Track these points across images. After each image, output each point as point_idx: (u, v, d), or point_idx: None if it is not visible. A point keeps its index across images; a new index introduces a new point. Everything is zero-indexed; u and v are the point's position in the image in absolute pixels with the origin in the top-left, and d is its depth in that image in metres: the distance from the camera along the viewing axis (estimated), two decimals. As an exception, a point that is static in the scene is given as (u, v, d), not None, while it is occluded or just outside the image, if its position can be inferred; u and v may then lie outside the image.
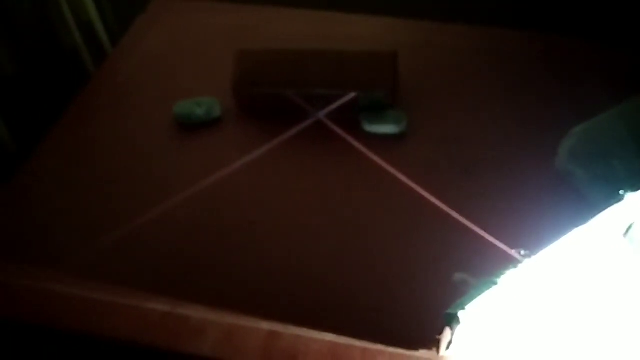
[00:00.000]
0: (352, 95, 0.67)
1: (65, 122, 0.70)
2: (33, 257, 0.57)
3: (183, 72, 0.76)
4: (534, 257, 0.50)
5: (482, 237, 0.56)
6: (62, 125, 0.70)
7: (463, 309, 0.46)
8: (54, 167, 0.65)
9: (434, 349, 0.49)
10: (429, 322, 0.48)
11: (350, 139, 0.66)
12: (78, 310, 0.53)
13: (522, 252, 0.53)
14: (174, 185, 0.63)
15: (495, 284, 0.48)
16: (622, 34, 0.81)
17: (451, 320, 0.46)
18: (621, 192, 0.52)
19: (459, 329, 0.46)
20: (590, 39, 0.78)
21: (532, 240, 0.52)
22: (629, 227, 0.56)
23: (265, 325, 0.52)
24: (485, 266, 0.51)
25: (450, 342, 0.48)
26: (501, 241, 0.56)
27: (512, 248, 0.55)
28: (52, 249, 0.58)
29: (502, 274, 0.48)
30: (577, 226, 0.51)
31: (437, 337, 0.47)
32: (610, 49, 0.76)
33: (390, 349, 0.50)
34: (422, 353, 0.49)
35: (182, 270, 0.56)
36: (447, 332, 0.47)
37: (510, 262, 0.51)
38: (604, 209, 0.52)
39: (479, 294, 0.47)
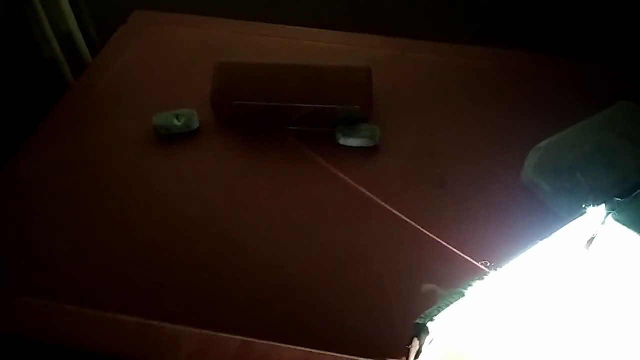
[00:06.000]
0: (328, 108, 0.68)
1: (43, 132, 0.70)
2: (9, 266, 0.57)
3: (162, 83, 0.77)
4: (499, 269, 0.52)
5: (451, 249, 0.58)
6: (39, 135, 0.70)
7: (431, 319, 0.47)
8: (29, 177, 0.66)
9: (404, 359, 0.50)
10: (400, 333, 0.49)
11: (324, 152, 0.68)
12: (53, 321, 0.54)
13: (488, 264, 0.55)
14: (151, 195, 0.64)
15: (463, 295, 0.49)
16: (592, 47, 0.83)
17: (419, 331, 0.47)
18: (584, 205, 0.54)
19: (427, 338, 0.48)
20: (559, 53, 0.80)
21: (498, 251, 0.53)
22: (591, 240, 0.58)
23: (239, 336, 0.53)
24: (453, 277, 0.53)
25: (419, 352, 0.49)
26: (468, 253, 0.57)
27: (479, 259, 0.56)
28: (27, 256, 0.58)
29: (469, 285, 0.50)
30: (542, 238, 0.52)
31: (406, 347, 0.49)
32: (580, 62, 0.79)
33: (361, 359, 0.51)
34: (392, 363, 0.51)
35: (156, 280, 0.57)
36: (416, 342, 0.48)
37: (477, 273, 0.52)
38: (568, 222, 0.54)
39: (447, 305, 0.48)
